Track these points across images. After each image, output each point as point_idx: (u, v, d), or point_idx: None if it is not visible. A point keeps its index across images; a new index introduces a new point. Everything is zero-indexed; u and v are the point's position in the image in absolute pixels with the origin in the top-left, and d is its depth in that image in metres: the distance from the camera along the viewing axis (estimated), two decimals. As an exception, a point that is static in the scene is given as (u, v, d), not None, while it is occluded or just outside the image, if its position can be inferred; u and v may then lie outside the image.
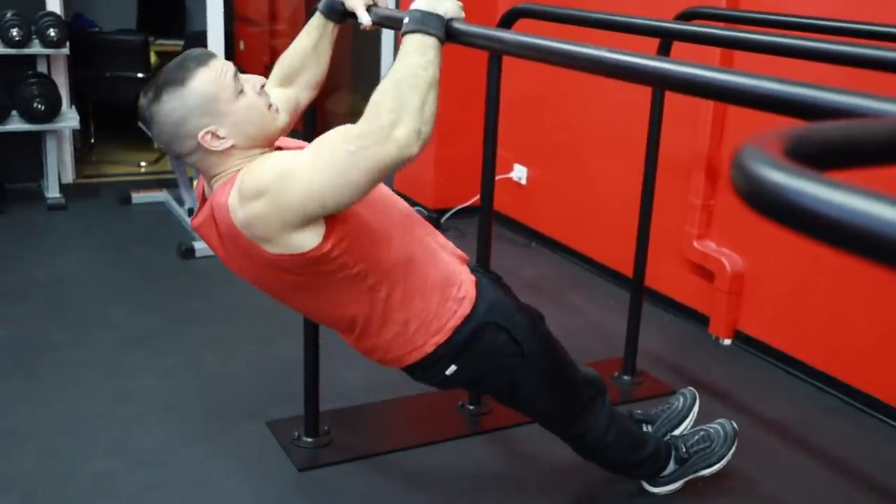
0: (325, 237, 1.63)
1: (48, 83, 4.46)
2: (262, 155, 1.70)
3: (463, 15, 1.62)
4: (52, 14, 4.43)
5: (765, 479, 2.42)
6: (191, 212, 4.21)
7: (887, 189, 0.44)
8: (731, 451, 2.29)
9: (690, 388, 2.47)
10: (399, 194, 1.95)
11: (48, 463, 2.35)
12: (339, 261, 1.68)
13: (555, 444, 2.21)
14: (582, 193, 4.01)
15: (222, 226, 1.67)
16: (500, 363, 1.92)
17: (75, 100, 4.99)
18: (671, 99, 2.64)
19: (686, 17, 2.62)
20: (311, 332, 2.43)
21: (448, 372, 1.88)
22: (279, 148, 1.78)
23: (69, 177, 4.95)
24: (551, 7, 2.59)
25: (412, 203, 2.05)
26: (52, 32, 4.34)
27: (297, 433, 2.49)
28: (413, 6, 1.61)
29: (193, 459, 2.40)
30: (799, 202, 0.45)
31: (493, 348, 1.89)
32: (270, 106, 1.72)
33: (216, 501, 2.25)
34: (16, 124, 4.37)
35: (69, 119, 4.54)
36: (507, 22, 2.46)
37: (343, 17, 1.91)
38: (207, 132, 1.64)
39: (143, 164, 5.47)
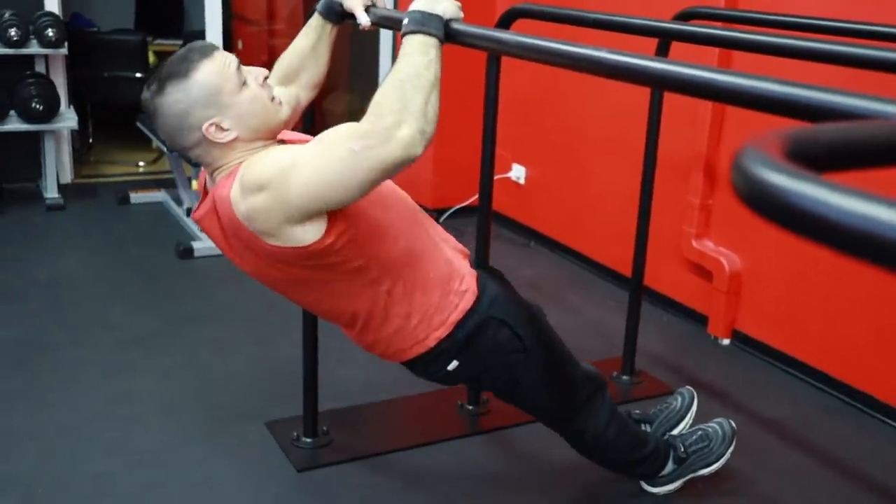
0: (328, 231, 1.63)
1: (46, 83, 4.45)
2: (264, 148, 1.70)
3: (462, 15, 1.62)
4: (50, 14, 4.43)
5: (763, 478, 2.43)
6: (189, 212, 4.23)
7: (888, 191, 0.44)
8: (730, 451, 2.29)
9: (688, 387, 2.47)
10: (399, 193, 1.95)
11: (48, 463, 2.35)
12: (342, 254, 1.68)
13: (554, 444, 2.21)
14: (580, 193, 4.01)
15: (224, 218, 1.67)
16: (502, 359, 1.92)
17: (73, 100, 4.99)
18: (670, 99, 2.64)
19: (684, 17, 2.62)
20: (310, 332, 2.43)
21: (450, 367, 1.89)
22: (282, 141, 1.78)
23: (67, 177, 4.95)
24: (550, 7, 2.59)
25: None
26: (50, 32, 4.34)
27: (296, 433, 2.49)
28: (412, 7, 1.61)
29: (193, 460, 2.40)
30: (799, 205, 0.45)
31: (495, 344, 1.89)
32: (273, 98, 1.72)
33: (215, 502, 2.25)
34: (14, 124, 4.37)
35: (67, 119, 4.53)
36: (505, 22, 2.46)
37: (341, 17, 1.91)
38: (212, 124, 1.64)
39: (141, 164, 5.47)
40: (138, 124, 4.67)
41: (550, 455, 2.44)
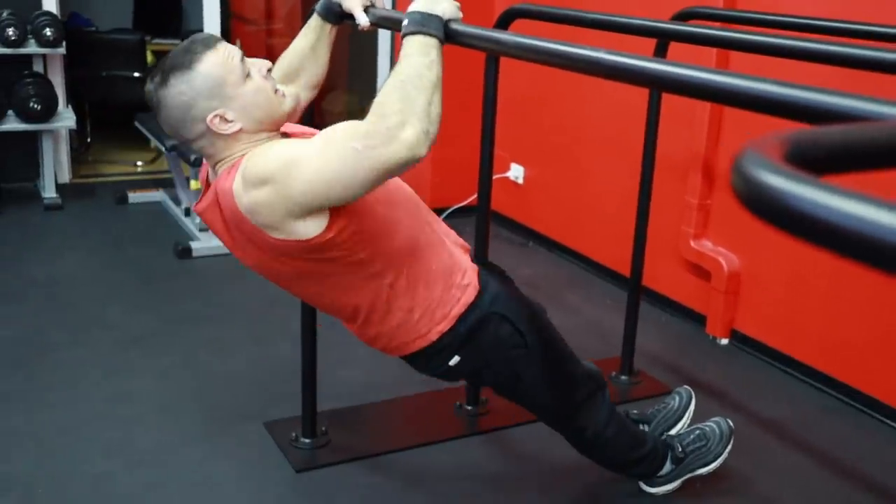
0: (330, 224, 1.63)
1: (44, 83, 4.45)
2: (268, 140, 1.70)
3: (460, 16, 1.62)
4: (48, 13, 4.42)
5: (761, 478, 2.43)
6: (187, 212, 4.23)
7: (888, 194, 0.44)
8: (727, 450, 2.29)
9: (686, 387, 2.47)
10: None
11: (48, 463, 2.35)
12: (344, 247, 1.68)
13: (553, 444, 2.22)
14: (579, 193, 4.01)
15: (227, 211, 1.67)
16: (503, 354, 1.92)
17: (71, 99, 4.99)
18: (668, 99, 2.64)
19: (683, 17, 2.62)
20: (309, 333, 2.43)
21: (451, 363, 1.89)
22: (286, 134, 1.78)
23: (65, 177, 4.95)
24: (548, 7, 2.59)
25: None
26: (48, 32, 4.33)
27: (294, 434, 2.49)
28: (411, 8, 1.61)
29: (192, 460, 2.40)
30: (799, 208, 0.45)
31: (497, 339, 1.89)
32: (277, 90, 1.72)
33: (214, 502, 2.25)
34: (12, 124, 4.36)
35: (65, 119, 4.53)
36: (503, 22, 2.46)
37: (340, 18, 1.91)
38: (216, 115, 1.64)
39: (139, 163, 5.46)
40: (136, 124, 4.67)
41: (549, 455, 2.44)
